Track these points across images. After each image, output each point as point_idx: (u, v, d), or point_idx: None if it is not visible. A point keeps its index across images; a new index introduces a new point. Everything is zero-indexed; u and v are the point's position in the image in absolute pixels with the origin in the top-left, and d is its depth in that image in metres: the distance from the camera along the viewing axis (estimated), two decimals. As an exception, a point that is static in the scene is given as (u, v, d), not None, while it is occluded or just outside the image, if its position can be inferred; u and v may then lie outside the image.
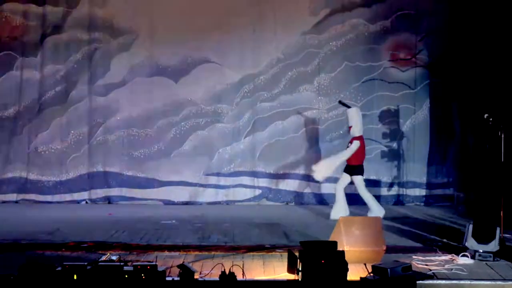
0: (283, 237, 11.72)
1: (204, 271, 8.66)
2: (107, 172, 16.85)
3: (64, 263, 8.15)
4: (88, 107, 16.86)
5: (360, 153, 14.02)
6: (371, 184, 16.74)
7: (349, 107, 14.35)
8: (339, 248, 8.63)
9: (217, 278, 8.21)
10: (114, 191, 16.81)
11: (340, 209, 13.98)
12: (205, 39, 16.84)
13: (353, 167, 14.00)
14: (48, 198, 16.65)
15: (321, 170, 14.12)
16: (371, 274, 8.45)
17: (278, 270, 8.89)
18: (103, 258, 8.71)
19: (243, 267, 8.70)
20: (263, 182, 16.92)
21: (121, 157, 16.89)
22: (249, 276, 8.47)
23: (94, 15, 16.89)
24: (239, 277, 8.30)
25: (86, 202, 16.74)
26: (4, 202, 16.60)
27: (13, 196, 16.73)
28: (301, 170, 16.89)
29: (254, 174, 16.92)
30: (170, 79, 16.92)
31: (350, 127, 14.08)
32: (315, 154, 16.83)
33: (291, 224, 13.28)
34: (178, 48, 16.87)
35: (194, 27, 16.83)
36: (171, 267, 8.68)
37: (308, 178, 16.79)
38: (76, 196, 16.76)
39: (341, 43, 17.01)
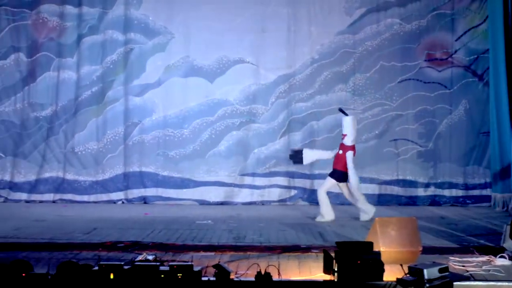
0: (318, 237, 11.70)
1: (239, 271, 8.66)
2: (143, 172, 16.93)
3: (101, 263, 8.19)
4: (124, 107, 16.95)
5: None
6: (407, 184, 16.69)
7: (347, 114, 14.31)
8: (375, 249, 8.60)
9: (252, 278, 8.21)
10: (150, 191, 16.88)
11: (327, 212, 13.95)
12: (241, 39, 16.88)
13: (343, 174, 13.91)
14: (85, 198, 16.76)
15: (310, 156, 14.20)
16: (407, 275, 8.40)
17: (314, 271, 8.87)
18: (139, 257, 8.75)
19: (278, 267, 8.69)
20: (298, 183, 16.89)
21: (157, 157, 16.96)
22: (285, 276, 8.46)
23: (129, 16, 16.98)
24: (275, 277, 8.30)
25: (123, 202, 16.83)
26: (41, 202, 16.74)
27: (50, 196, 16.87)
28: (336, 171, 16.82)
29: (289, 175, 16.90)
30: (205, 79, 16.96)
31: (344, 135, 14.00)
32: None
33: (327, 224, 13.26)
34: (214, 48, 16.91)
35: (230, 27, 16.87)
36: (207, 267, 8.69)
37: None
38: (113, 196, 16.85)
39: (377, 43, 16.95)
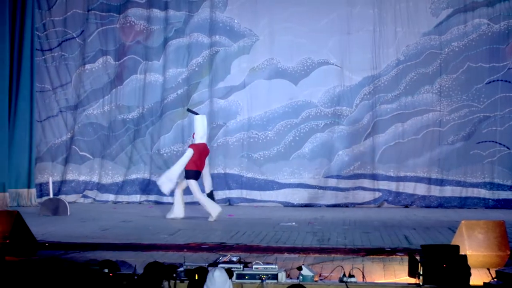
0: (403, 240, 11.58)
1: (323, 273, 8.64)
2: (227, 173, 17.05)
3: (186, 264, 8.27)
4: (209, 109, 17.09)
5: (197, 159, 13.92)
6: (494, 187, 16.41)
7: (196, 114, 14.42)
8: (462, 252, 8.48)
9: (336, 281, 8.18)
10: (234, 193, 17.00)
11: (178, 210, 14.08)
12: (325, 41, 16.86)
13: (188, 172, 13.92)
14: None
15: (166, 182, 13.98)
16: (495, 279, 8.26)
17: (399, 274, 8.78)
18: (224, 259, 8.79)
19: (363, 270, 8.64)
20: (383, 185, 16.78)
21: (241, 159, 17.05)
22: (369, 279, 8.41)
23: (215, 19, 17.13)
24: (359, 280, 8.25)
25: (207, 204, 16.95)
26: (128, 203, 17.03)
27: (136, 197, 17.14)
28: (421, 173, 16.68)
29: (374, 177, 16.80)
30: (289, 81, 16.99)
31: (193, 134, 14.12)
32: (436, 156, 16.61)
33: (412, 227, 13.12)
34: (298, 50, 16.93)
35: (314, 29, 16.87)
36: (291, 269, 8.69)
37: (429, 181, 16.60)
38: (197, 197, 16.99)
39: (463, 43, 16.73)
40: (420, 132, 16.71)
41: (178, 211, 14.14)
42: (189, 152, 13.93)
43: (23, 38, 16.23)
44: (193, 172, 13.99)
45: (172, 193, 14.22)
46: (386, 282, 8.44)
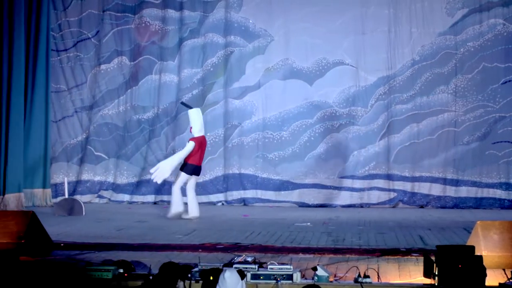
0: (418, 240, 11.56)
1: (338, 273, 8.63)
2: (242, 174, 17.06)
3: (201, 264, 8.28)
4: (224, 110, 17.12)
5: (196, 153, 13.99)
6: (510, 187, 16.36)
7: (190, 107, 14.47)
8: (477, 253, 8.45)
9: (351, 281, 8.17)
10: (249, 193, 17.01)
11: (192, 210, 14.12)
12: (340, 41, 16.85)
13: (195, 167, 14.03)
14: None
15: (162, 172, 13.97)
16: (510, 280, 8.24)
17: (414, 274, 8.77)
18: (239, 259, 8.80)
19: (378, 270, 8.63)
20: (398, 185, 16.75)
21: (256, 159, 17.06)
22: (384, 280, 8.40)
23: (230, 19, 17.15)
24: (374, 280, 8.24)
25: (222, 204, 16.99)
26: (143, 203, 17.06)
27: (151, 198, 17.17)
28: (437, 173, 16.64)
29: (389, 177, 16.77)
30: (304, 82, 16.98)
31: (190, 128, 14.21)
32: (451, 157, 16.57)
33: (427, 227, 13.09)
34: (313, 51, 16.93)
35: (329, 29, 16.86)
36: (306, 269, 8.69)
37: (444, 181, 16.56)
38: (212, 198, 17.04)
39: (479, 43, 16.68)
40: (435, 133, 16.67)
41: (193, 210, 14.15)
42: (190, 145, 14.02)
43: (39, 39, 16.28)
44: (193, 167, 14.07)
45: (184, 193, 14.23)
46: (401, 282, 8.43)
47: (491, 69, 16.61)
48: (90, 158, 17.42)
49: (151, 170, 14.28)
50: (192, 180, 14.20)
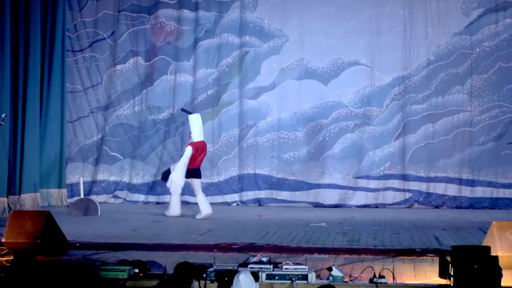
0: (434, 241, 11.54)
1: (353, 274, 8.62)
2: (257, 174, 17.06)
3: (216, 264, 8.29)
4: (239, 110, 17.13)
5: (195, 157, 14.12)
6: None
7: (190, 113, 14.64)
8: (493, 253, 8.42)
9: (367, 282, 8.17)
10: (264, 193, 17.02)
11: (205, 210, 14.18)
12: (356, 41, 16.83)
13: (189, 171, 14.12)
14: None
15: (176, 183, 14.21)
16: (526, 281, 8.22)
17: (429, 275, 8.75)
18: (254, 259, 8.80)
19: (393, 270, 8.61)
20: (414, 185, 16.72)
21: (271, 160, 17.06)
22: (399, 280, 8.38)
23: (245, 19, 17.16)
24: (389, 280, 8.23)
25: (237, 204, 17.00)
26: (158, 203, 17.09)
27: (166, 198, 17.15)
28: (452, 173, 16.60)
29: (404, 177, 16.74)
30: (319, 82, 16.98)
31: (190, 133, 14.35)
32: (467, 157, 16.52)
33: (442, 228, 13.06)
34: (328, 51, 16.92)
35: (344, 29, 16.85)
36: (321, 269, 8.68)
37: (459, 181, 16.52)
38: (227, 198, 17.06)
39: (495, 43, 16.63)
40: (450, 133, 16.64)
41: (204, 208, 14.20)
42: (188, 151, 14.15)
43: (54, 39, 16.35)
44: (190, 171, 14.19)
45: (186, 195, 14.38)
46: (417, 283, 8.42)
47: (507, 69, 16.56)
48: (105, 158, 17.47)
49: (167, 185, 14.40)
50: (194, 182, 14.28)
